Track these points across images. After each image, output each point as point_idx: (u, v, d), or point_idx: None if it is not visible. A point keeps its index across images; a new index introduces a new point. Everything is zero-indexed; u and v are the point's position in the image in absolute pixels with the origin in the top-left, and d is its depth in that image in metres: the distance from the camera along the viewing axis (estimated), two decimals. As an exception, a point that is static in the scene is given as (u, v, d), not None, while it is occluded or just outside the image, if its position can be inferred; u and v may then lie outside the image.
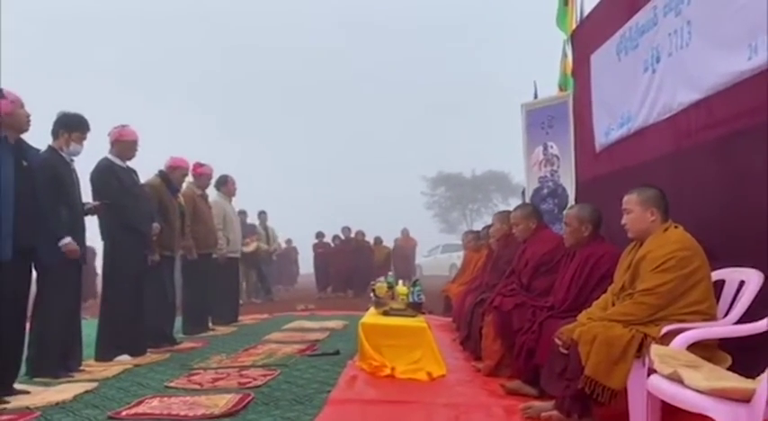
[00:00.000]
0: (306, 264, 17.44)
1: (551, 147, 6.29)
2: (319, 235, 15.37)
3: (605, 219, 3.69)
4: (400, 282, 5.52)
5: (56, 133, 4.44)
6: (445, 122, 54.06)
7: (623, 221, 3.04)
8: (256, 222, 12.56)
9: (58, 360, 4.31)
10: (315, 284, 14.68)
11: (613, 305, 2.97)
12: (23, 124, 3.81)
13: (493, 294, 4.34)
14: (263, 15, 62.53)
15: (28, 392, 3.78)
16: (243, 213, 11.05)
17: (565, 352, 2.95)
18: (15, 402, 3.55)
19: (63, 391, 3.82)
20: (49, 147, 4.39)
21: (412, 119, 57.70)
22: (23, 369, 4.06)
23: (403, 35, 60.96)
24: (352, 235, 14.41)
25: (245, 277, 11.26)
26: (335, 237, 14.88)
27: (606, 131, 4.90)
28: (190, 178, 6.82)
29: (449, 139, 51.00)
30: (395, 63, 59.76)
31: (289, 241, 17.56)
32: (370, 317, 4.76)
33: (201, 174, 7.06)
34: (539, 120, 6.48)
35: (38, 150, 4.11)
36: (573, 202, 5.65)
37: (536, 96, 7.09)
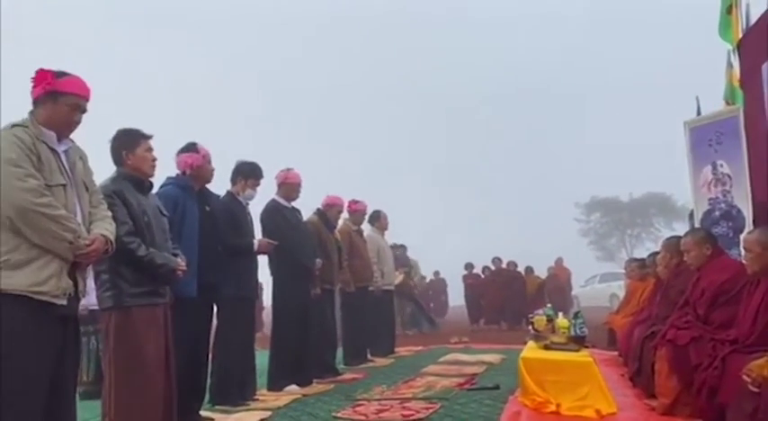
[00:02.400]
0: (455, 296, 17.37)
1: (721, 165, 5.81)
2: (469, 266, 15.25)
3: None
4: (560, 314, 5.32)
5: (234, 180, 4.91)
6: (596, 144, 51.73)
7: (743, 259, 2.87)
8: (408, 255, 12.76)
9: (236, 389, 4.65)
10: (466, 316, 14.56)
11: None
12: (209, 177, 4.30)
13: (665, 327, 4.05)
14: (420, 53, 63.81)
15: (212, 420, 4.10)
16: (395, 247, 11.29)
17: (755, 390, 2.68)
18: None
19: (241, 419, 4.10)
20: (228, 192, 4.85)
21: (560, 141, 55.81)
22: (207, 397, 4.42)
23: (552, 54, 59.67)
24: (504, 265, 14.16)
25: (399, 309, 11.45)
26: (485, 268, 14.70)
27: (787, 146, 4.45)
28: (345, 215, 7.14)
29: (600, 162, 48.65)
30: (543, 83, 58.43)
31: (437, 273, 17.61)
32: (531, 351, 4.63)
33: (356, 211, 7.36)
34: (705, 137, 6.03)
35: (218, 196, 4.55)
36: (751, 225, 5.15)
37: (699, 112, 6.62)
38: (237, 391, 4.65)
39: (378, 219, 8.15)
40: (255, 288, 4.94)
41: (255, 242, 4.85)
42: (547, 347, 4.60)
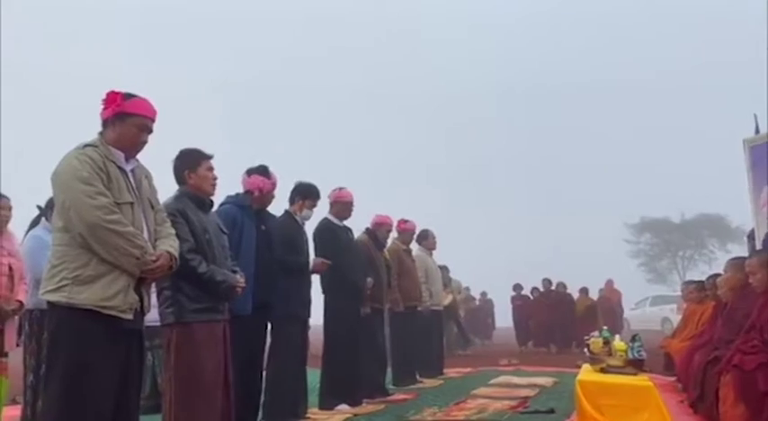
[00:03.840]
0: (502, 317, 17.12)
1: (783, 184, 5.62)
2: (517, 287, 15.03)
3: None
4: (617, 336, 5.18)
5: (292, 199, 5.00)
6: (645, 163, 50.54)
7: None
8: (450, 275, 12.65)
9: (288, 407, 4.67)
10: (513, 338, 14.33)
11: None
12: (268, 203, 4.44)
13: (730, 351, 3.90)
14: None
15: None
16: (444, 268, 11.22)
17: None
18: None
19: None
20: (286, 211, 4.95)
21: (609, 160, 54.72)
22: (260, 413, 4.45)
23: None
24: (553, 286, 13.91)
25: (446, 330, 11.35)
26: (534, 289, 14.47)
27: None
28: (394, 234, 7.14)
29: (649, 182, 47.50)
30: (592, 104, 57.55)
31: (484, 294, 17.40)
32: (587, 374, 4.52)
33: (405, 230, 7.36)
34: (765, 155, 5.86)
35: (274, 216, 4.62)
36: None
37: (757, 130, 6.43)
38: (289, 409, 4.67)
39: (426, 239, 8.13)
40: (307, 307, 4.97)
41: (310, 261, 4.90)
42: (603, 370, 4.49)
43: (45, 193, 4.30)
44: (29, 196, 4.67)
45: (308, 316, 4.99)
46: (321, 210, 5.58)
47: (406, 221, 7.36)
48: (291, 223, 4.87)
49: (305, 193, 4.97)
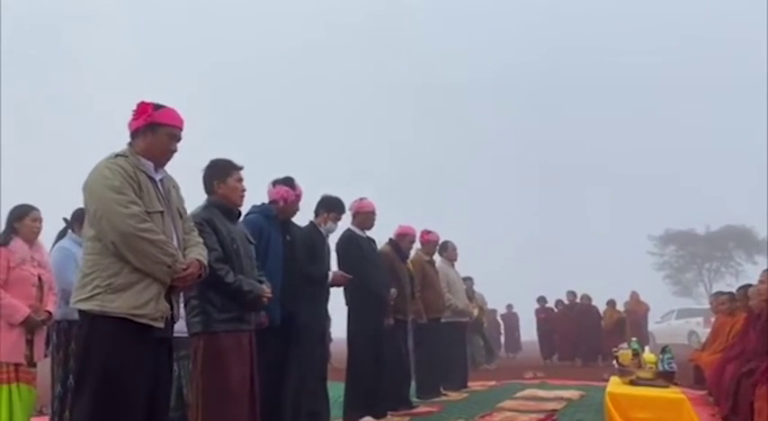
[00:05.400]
0: (527, 331, 16.94)
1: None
2: (541, 299, 14.87)
3: None
4: (647, 348, 5.09)
5: (317, 212, 5.03)
6: (669, 175, 49.96)
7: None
8: (474, 288, 12.56)
9: (307, 418, 4.62)
10: (538, 351, 14.16)
11: None
12: (293, 214, 4.45)
13: (766, 363, 3.81)
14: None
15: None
16: (468, 280, 11.15)
17: None
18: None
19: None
20: (311, 222, 4.97)
21: (633, 172, 54.09)
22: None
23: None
24: (578, 299, 13.73)
25: (472, 343, 11.25)
26: (558, 302, 14.30)
27: None
28: (417, 245, 7.11)
29: (674, 193, 46.93)
30: (614, 112, 57.07)
31: (509, 306, 17.25)
32: (616, 386, 4.45)
33: (429, 241, 7.31)
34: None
35: (299, 227, 4.64)
36: None
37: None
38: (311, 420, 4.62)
39: (446, 250, 8.06)
40: (325, 317, 4.96)
41: (331, 274, 4.89)
42: (633, 383, 4.42)
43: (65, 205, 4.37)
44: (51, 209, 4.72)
45: (328, 327, 4.97)
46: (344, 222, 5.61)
47: (429, 232, 7.31)
48: (315, 233, 4.87)
49: (330, 207, 4.99)
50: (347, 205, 5.57)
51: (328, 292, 4.96)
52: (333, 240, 5.13)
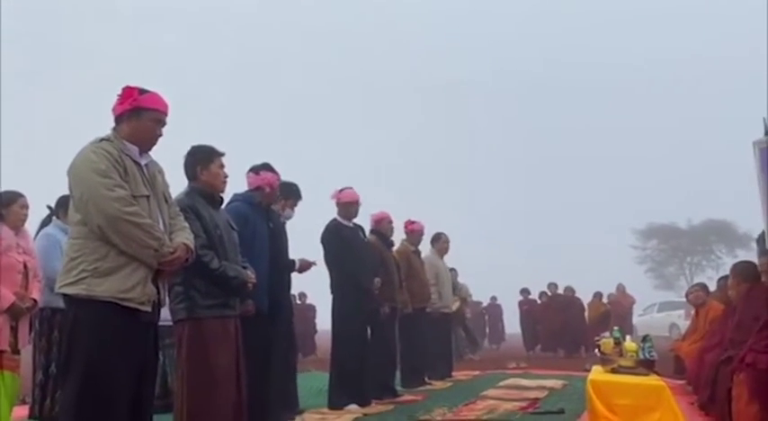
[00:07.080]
0: (510, 323, 17.08)
1: (794, 186, 5.59)
2: (524, 291, 15.01)
3: None
4: (628, 337, 5.16)
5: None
6: (651, 169, 50.44)
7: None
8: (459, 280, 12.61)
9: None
10: (521, 342, 14.28)
11: None
12: (276, 199, 4.44)
13: (743, 350, 3.88)
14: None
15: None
16: (452, 271, 11.18)
17: None
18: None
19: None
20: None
21: (615, 166, 54.55)
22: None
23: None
24: (560, 291, 13.86)
25: (454, 334, 11.31)
26: (542, 294, 14.43)
27: None
28: (402, 235, 7.13)
29: (656, 188, 47.37)
30: (596, 108, 57.41)
31: (493, 298, 17.37)
32: (598, 374, 4.50)
33: (413, 231, 7.33)
34: (776, 157, 5.83)
35: (279, 214, 4.61)
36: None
37: (767, 133, 6.41)
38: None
39: (438, 241, 8.10)
40: (289, 307, 4.96)
41: (297, 261, 4.88)
42: (614, 371, 4.47)
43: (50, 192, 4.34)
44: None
45: (291, 314, 4.97)
46: (330, 212, 5.61)
47: (413, 222, 7.33)
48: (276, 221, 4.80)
49: (287, 193, 4.90)
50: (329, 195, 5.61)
51: (290, 280, 4.91)
52: (289, 227, 4.97)
